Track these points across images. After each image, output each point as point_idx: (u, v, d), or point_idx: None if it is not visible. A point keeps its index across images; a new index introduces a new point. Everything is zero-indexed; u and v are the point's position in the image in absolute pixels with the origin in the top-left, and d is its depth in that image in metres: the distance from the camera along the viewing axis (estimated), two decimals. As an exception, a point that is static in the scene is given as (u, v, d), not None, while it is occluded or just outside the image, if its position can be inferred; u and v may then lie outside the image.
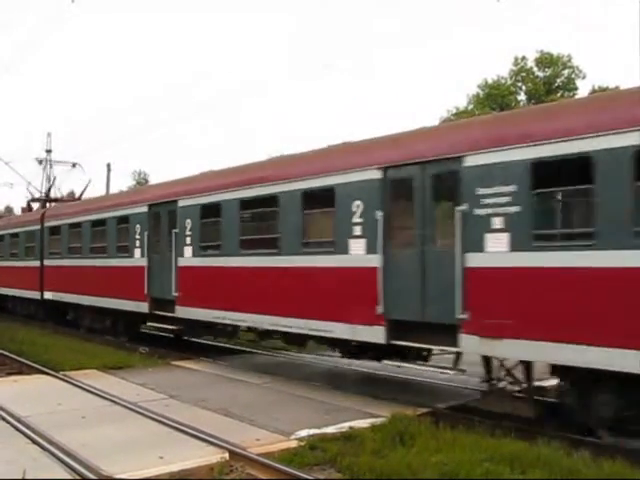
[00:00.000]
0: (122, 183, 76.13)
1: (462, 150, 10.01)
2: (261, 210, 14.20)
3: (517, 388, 10.09)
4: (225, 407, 10.92)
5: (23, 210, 38.52)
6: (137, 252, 18.40)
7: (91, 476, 7.36)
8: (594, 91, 41.98)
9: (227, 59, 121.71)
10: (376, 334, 11.03)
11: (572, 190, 9.25)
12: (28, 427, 9.46)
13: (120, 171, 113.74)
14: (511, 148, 9.36)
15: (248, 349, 18.60)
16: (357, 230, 11.52)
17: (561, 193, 9.55)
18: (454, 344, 9.95)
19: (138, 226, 18.39)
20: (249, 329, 15.63)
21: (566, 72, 48.76)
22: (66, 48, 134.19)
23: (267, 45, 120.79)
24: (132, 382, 13.45)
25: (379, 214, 11.04)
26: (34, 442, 8.77)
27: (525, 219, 9.09)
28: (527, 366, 9.89)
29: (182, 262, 16.34)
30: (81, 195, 33.79)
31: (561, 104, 9.85)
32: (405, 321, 10.75)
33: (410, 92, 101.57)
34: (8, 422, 9.94)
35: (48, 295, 24.55)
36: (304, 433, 9.16)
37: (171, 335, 18.84)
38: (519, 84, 49.79)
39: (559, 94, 46.94)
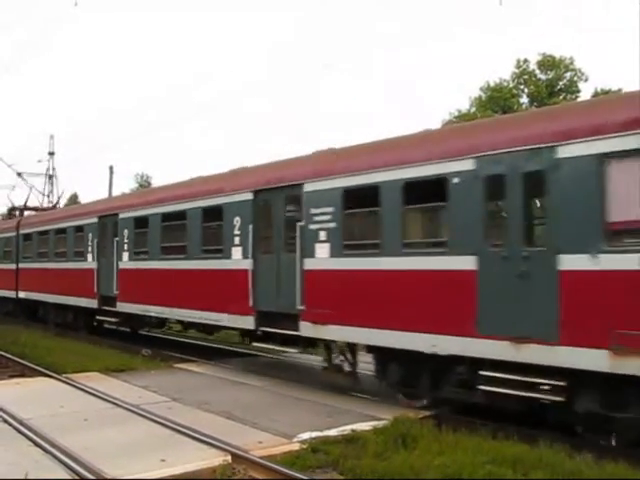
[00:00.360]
0: (125, 185, 76.13)
1: (302, 179, 12.99)
2: (175, 223, 17.22)
3: (347, 366, 13.10)
4: (227, 410, 10.92)
5: (3, 217, 40.68)
6: (89, 256, 21.82)
7: (93, 478, 7.36)
8: (596, 94, 41.94)
9: (228, 60, 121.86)
10: (248, 322, 14.20)
11: (367, 211, 11.97)
12: (30, 429, 9.47)
13: (123, 173, 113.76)
14: (331, 179, 12.39)
15: (251, 352, 18.58)
16: (237, 240, 14.62)
17: (361, 213, 12.26)
18: (297, 329, 12.78)
19: (90, 234, 21.85)
20: (177, 321, 18.81)
21: (568, 75, 48.75)
22: (68, 49, 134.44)
23: (267, 46, 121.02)
24: (134, 385, 13.46)
25: (250, 227, 14.16)
26: (36, 444, 8.77)
27: (339, 233, 12.12)
28: (352, 347, 12.86)
29: (121, 265, 19.78)
30: (55, 205, 36.95)
31: (366, 147, 12.58)
32: (268, 312, 13.77)
33: (412, 95, 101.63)
34: (10, 424, 9.94)
35: (22, 294, 27.76)
36: (306, 436, 9.16)
37: (128, 330, 22.47)
38: (521, 87, 49.76)
39: (561, 97, 46.92)
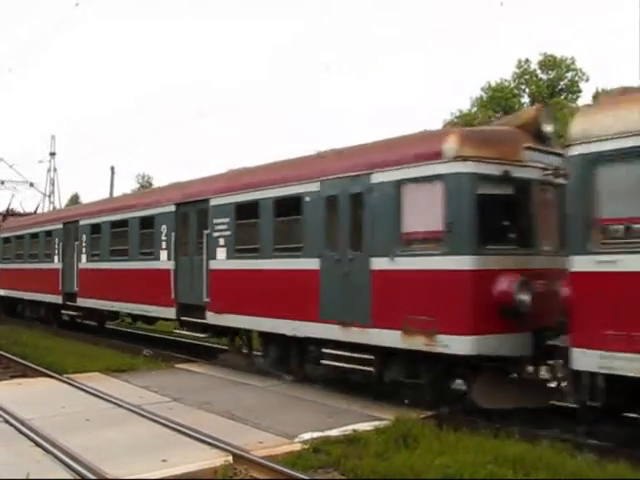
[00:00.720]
0: (126, 185, 76.23)
1: (209, 195, 16.05)
2: (121, 229, 20.41)
3: (245, 348, 15.93)
4: (229, 410, 10.93)
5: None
6: (56, 258, 24.91)
7: (94, 479, 7.36)
8: (597, 94, 41.90)
9: (229, 62, 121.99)
10: (171, 313, 17.29)
11: (251, 222, 14.48)
12: (32, 430, 9.47)
13: (124, 174, 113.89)
14: (227, 196, 15.43)
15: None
16: (164, 244, 17.73)
17: (247, 224, 14.75)
18: (204, 318, 15.73)
19: (57, 238, 25.01)
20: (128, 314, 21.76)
21: (570, 75, 48.75)
22: (69, 50, 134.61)
23: (269, 48, 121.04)
24: (135, 385, 13.46)
25: (173, 234, 17.29)
26: (38, 445, 8.78)
27: (232, 239, 15.04)
28: (248, 332, 15.58)
29: (80, 265, 22.95)
30: (35, 211, 38.91)
31: (251, 170, 15.97)
32: (186, 304, 16.75)
33: (414, 95, 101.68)
34: (12, 425, 9.95)
35: (2, 292, 30.84)
36: (307, 436, 9.16)
37: (93, 323, 25.15)
38: (522, 87, 49.77)
39: (563, 96, 46.92)
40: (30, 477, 7.09)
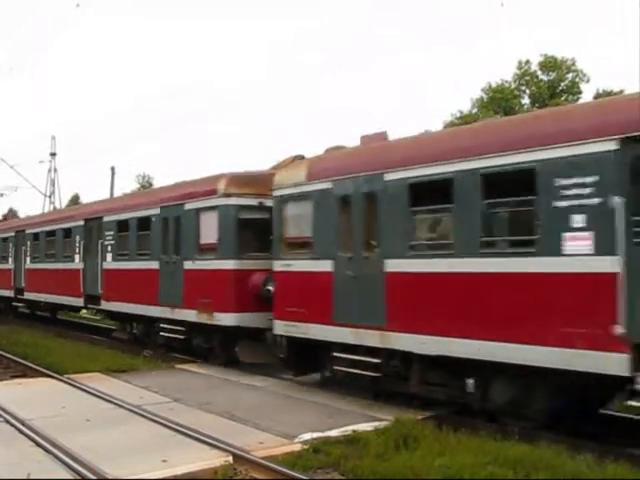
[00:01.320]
0: (126, 186, 76.20)
1: (102, 213, 21.73)
2: (52, 238, 25.86)
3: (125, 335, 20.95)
4: (229, 410, 10.94)
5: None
6: (10, 260, 30.47)
7: (95, 479, 7.37)
8: (598, 95, 41.91)
9: (229, 61, 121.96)
10: (81, 302, 23.17)
11: (122, 235, 19.97)
12: (32, 430, 9.47)
13: (124, 174, 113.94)
14: (112, 214, 20.92)
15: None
16: (77, 250, 23.41)
17: (122, 236, 20.10)
18: (100, 305, 21.22)
19: (10, 244, 30.60)
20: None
21: (570, 76, 48.72)
22: (69, 51, 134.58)
23: (267, 47, 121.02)
24: (136, 385, 13.47)
25: (82, 242, 23.03)
26: (38, 445, 8.79)
27: (115, 246, 20.36)
28: (131, 317, 19.97)
29: (26, 266, 28.47)
30: (5, 217, 42.45)
31: (125, 196, 23.74)
32: (91, 295, 21.98)
33: (414, 96, 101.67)
34: (12, 425, 9.96)
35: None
36: (307, 436, 9.17)
37: (47, 314, 29.63)
38: (523, 88, 49.75)
39: (563, 98, 46.89)
40: (31, 477, 7.08)
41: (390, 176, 11.18)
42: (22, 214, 61.85)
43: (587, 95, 46.24)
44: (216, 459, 8.12)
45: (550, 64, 48.56)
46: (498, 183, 9.48)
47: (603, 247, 8.30)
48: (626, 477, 7.30)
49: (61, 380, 13.89)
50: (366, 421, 10.07)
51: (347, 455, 8.23)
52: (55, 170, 50.57)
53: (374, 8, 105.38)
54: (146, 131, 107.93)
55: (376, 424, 9.75)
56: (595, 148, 8.46)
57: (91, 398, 12.11)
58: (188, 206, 16.66)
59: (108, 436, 9.30)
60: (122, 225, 20.08)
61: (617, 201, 8.14)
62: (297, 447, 8.73)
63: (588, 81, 48.48)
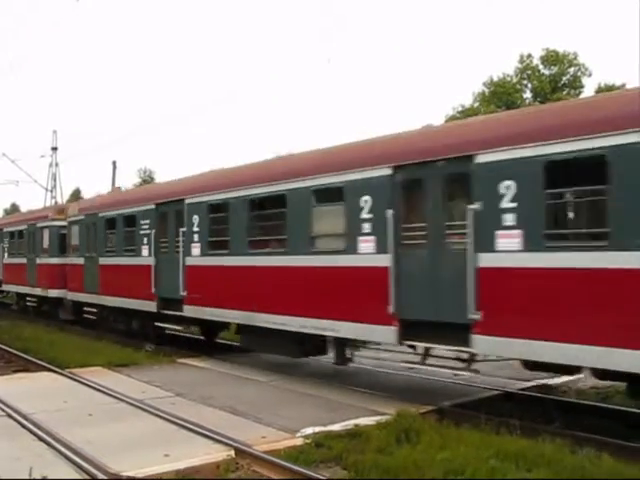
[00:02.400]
0: (128, 180, 76.15)
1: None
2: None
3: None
4: (231, 405, 10.95)
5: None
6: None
7: (97, 473, 7.38)
8: (600, 89, 41.82)
9: (230, 56, 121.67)
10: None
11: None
12: (34, 424, 9.50)
13: (126, 168, 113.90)
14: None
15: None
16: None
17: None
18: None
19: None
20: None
21: (572, 70, 48.58)
22: (72, 45, 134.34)
23: (270, 42, 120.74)
24: (138, 380, 13.49)
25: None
26: (40, 439, 8.81)
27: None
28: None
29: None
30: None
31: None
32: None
33: (416, 90, 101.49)
34: (14, 419, 9.99)
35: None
36: (310, 430, 9.18)
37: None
38: (525, 82, 49.63)
39: (565, 92, 46.79)
40: (32, 472, 7.09)
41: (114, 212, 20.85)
42: (24, 209, 62.01)
43: (589, 89, 46.19)
44: (218, 453, 8.13)
45: (552, 58, 48.43)
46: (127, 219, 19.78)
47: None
48: (627, 471, 7.30)
49: (63, 374, 13.92)
50: (368, 415, 10.08)
51: (349, 449, 8.24)
52: (56, 164, 50.51)
53: (376, 1, 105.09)
54: (147, 125, 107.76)
55: (378, 418, 9.76)
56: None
57: (93, 392, 12.13)
58: (39, 224, 26.66)
59: (110, 430, 9.32)
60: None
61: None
62: (299, 441, 8.74)
63: (590, 75, 48.40)
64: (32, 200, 59.80)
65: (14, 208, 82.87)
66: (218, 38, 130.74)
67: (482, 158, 9.78)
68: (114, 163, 47.14)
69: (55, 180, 50.27)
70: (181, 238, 16.53)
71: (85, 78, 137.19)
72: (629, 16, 73.92)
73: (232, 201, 14.86)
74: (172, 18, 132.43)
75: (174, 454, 8.06)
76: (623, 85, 37.33)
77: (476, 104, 49.33)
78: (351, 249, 11.68)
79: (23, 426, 9.56)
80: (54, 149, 50.37)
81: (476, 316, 9.64)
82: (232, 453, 8.13)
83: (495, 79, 49.73)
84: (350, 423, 9.55)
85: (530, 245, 9.08)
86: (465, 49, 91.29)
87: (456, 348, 10.31)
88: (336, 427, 9.38)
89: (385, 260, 10.99)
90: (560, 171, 8.86)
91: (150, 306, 17.96)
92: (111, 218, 20.54)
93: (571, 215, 9.47)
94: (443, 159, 10.41)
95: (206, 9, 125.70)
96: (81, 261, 22.59)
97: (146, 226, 18.42)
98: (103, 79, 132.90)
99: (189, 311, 16.39)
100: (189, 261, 16.32)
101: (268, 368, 14.70)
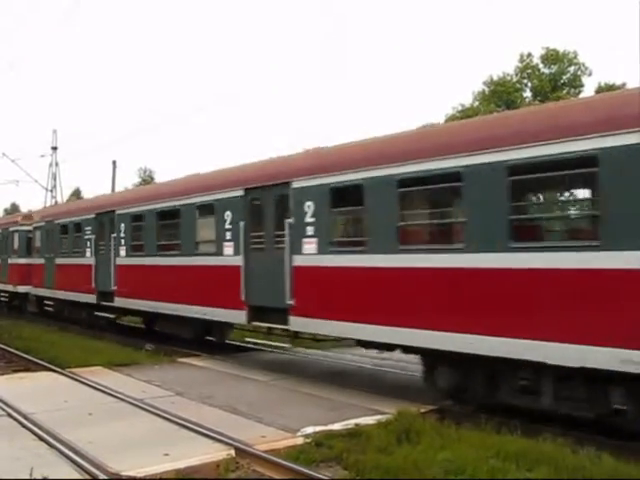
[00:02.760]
0: (128, 180, 76.21)
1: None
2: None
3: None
4: (231, 404, 10.94)
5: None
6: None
7: (98, 473, 7.37)
8: (600, 89, 41.76)
9: (232, 56, 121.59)
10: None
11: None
12: (34, 424, 9.50)
13: (126, 168, 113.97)
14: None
15: (255, 346, 18.60)
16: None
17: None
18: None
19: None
20: None
21: (572, 69, 48.52)
22: (72, 45, 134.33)
23: (271, 42, 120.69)
24: (138, 379, 13.49)
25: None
26: (41, 439, 8.80)
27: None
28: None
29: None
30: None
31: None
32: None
33: (417, 89, 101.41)
34: (14, 419, 9.99)
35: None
36: (310, 430, 9.17)
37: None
38: (525, 81, 49.58)
39: (565, 91, 46.74)
40: (33, 472, 7.08)
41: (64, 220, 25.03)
42: (24, 209, 61.99)
43: (589, 88, 46.13)
44: (218, 453, 8.12)
45: (552, 57, 48.35)
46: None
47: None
48: (628, 471, 7.30)
49: (63, 374, 13.92)
50: (368, 414, 10.08)
51: (350, 449, 8.22)
52: (56, 164, 50.51)
53: (376, 0, 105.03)
54: (148, 125, 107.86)
55: (378, 417, 9.75)
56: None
57: (93, 392, 12.13)
58: (10, 229, 30.03)
59: (110, 430, 9.31)
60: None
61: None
62: (299, 441, 8.73)
63: (590, 74, 48.29)
64: (32, 200, 59.77)
65: (14, 208, 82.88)
66: (219, 37, 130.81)
67: (295, 184, 12.99)
68: (114, 163, 47.22)
69: (55, 180, 50.29)
70: (112, 242, 20.53)
71: (85, 77, 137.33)
72: (629, 15, 73.89)
73: (146, 213, 18.70)
74: (172, 17, 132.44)
75: (174, 453, 8.06)
76: (624, 85, 37.28)
77: (476, 103, 49.30)
78: (219, 252, 15.09)
79: (23, 426, 9.55)
80: (54, 149, 50.37)
81: (291, 302, 12.76)
82: (232, 452, 8.12)
83: (495, 78, 49.68)
84: (350, 422, 9.54)
85: (322, 249, 12.27)
86: (465, 48, 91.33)
87: (282, 326, 13.55)
88: (336, 426, 9.37)
89: (239, 260, 14.32)
90: (340, 195, 12.00)
91: (92, 298, 21.83)
92: (64, 225, 24.69)
93: (345, 228, 13.30)
94: (274, 184, 13.64)
95: (206, 8, 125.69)
96: (42, 261, 26.54)
97: (89, 232, 22.29)
98: (103, 78, 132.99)
99: (118, 302, 20.15)
100: (118, 261, 20.24)
101: (268, 367, 14.70)
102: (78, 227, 23.28)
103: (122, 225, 20.03)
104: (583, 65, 48.44)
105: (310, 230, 12.51)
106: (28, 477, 7.00)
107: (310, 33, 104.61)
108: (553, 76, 48.46)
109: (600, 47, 68.11)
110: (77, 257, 23.10)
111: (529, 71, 49.19)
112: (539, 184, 10.50)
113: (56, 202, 47.75)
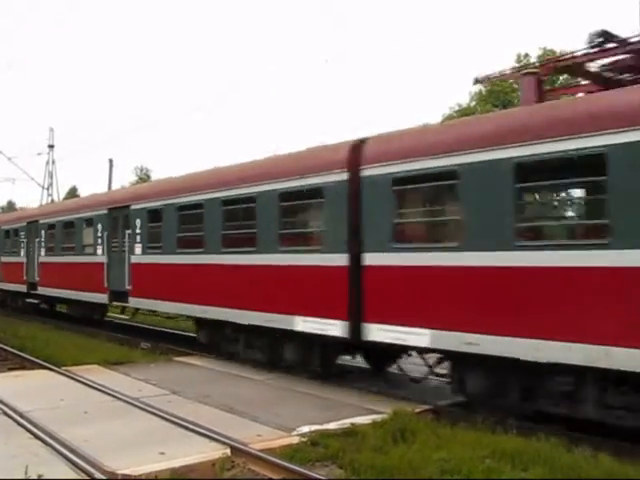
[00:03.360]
0: (125, 178, 76.10)
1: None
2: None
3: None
4: (227, 403, 10.94)
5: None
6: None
7: (93, 471, 7.36)
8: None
9: (229, 55, 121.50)
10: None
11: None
12: (30, 422, 9.48)
13: (123, 166, 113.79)
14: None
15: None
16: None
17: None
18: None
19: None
20: None
21: (569, 69, 48.56)
22: (69, 43, 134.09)
23: (268, 41, 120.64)
24: (134, 378, 13.48)
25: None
26: (36, 437, 8.79)
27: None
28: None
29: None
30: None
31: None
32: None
33: (414, 89, 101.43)
34: (10, 417, 9.96)
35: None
36: (306, 429, 9.18)
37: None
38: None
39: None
40: (28, 470, 7.08)
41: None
42: (20, 206, 61.87)
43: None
44: (214, 452, 8.13)
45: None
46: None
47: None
48: (623, 470, 7.32)
49: (59, 372, 13.89)
50: (364, 414, 10.08)
51: (345, 448, 8.24)
52: (53, 162, 50.46)
53: (373, 0, 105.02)
54: (145, 123, 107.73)
55: (374, 417, 9.76)
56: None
57: (89, 390, 12.11)
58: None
59: (106, 428, 9.30)
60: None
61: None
62: (295, 440, 8.74)
63: (587, 74, 48.36)
64: (29, 198, 59.74)
65: (10, 206, 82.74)
66: (216, 36, 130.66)
67: (133, 206, 18.95)
68: (111, 161, 47.14)
69: (52, 178, 50.23)
70: (36, 245, 26.62)
71: (82, 75, 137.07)
72: (627, 15, 73.85)
73: (74, 221, 23.60)
74: (170, 16, 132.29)
75: (170, 452, 8.06)
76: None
77: (473, 103, 49.34)
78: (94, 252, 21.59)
79: (19, 424, 9.54)
80: (51, 147, 50.33)
81: (129, 287, 18.73)
82: (228, 451, 8.12)
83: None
84: (346, 422, 9.55)
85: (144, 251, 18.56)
86: (462, 48, 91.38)
87: (124, 304, 20.18)
88: (332, 426, 9.38)
89: (104, 258, 20.51)
90: (152, 214, 18.15)
91: (23, 288, 27.89)
92: (7, 230, 30.74)
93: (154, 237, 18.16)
94: (121, 206, 19.76)
95: (204, 6, 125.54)
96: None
97: (22, 235, 28.31)
98: (100, 76, 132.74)
99: (43, 291, 26.11)
100: (40, 259, 26.29)
101: (264, 367, 14.67)
102: (15, 232, 29.32)
103: (42, 232, 26.15)
104: (580, 65, 48.53)
105: (138, 238, 18.64)
106: (23, 475, 6.99)
107: (309, 32, 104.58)
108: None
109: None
110: (12, 256, 29.28)
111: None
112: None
113: (52, 200, 47.69)
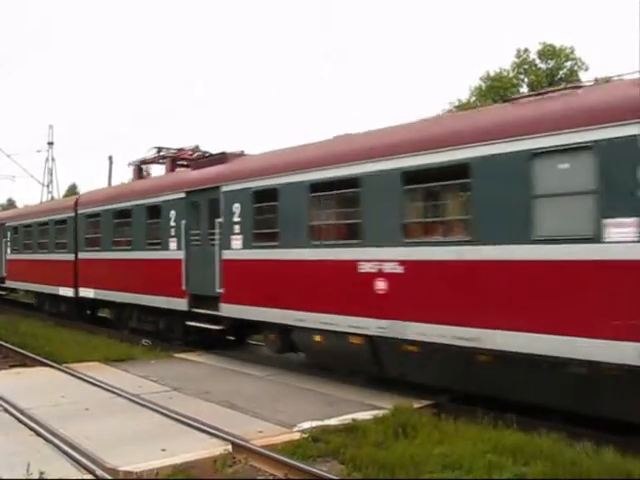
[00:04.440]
0: (125, 175, 75.94)
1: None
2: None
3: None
4: (228, 399, 10.95)
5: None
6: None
7: (95, 468, 7.38)
8: (597, 83, 41.71)
9: (228, 50, 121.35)
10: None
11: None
12: (32, 419, 9.50)
13: (123, 163, 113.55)
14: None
15: (252, 342, 18.57)
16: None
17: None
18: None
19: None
20: None
21: (569, 64, 48.48)
22: (69, 40, 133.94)
23: (269, 37, 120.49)
24: (135, 374, 13.49)
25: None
26: (38, 434, 8.81)
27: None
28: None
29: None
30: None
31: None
32: None
33: (413, 84, 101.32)
34: (12, 414, 9.98)
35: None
36: (307, 425, 9.18)
37: None
38: (521, 76, 49.51)
39: (562, 86, 46.66)
40: (30, 467, 7.08)
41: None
42: (20, 204, 61.85)
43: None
44: (215, 448, 8.13)
45: (549, 52, 48.29)
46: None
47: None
48: (624, 465, 7.31)
49: (60, 369, 13.90)
50: (365, 410, 10.09)
51: (346, 444, 8.24)
52: (53, 159, 50.51)
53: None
54: (144, 120, 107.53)
55: (375, 412, 9.76)
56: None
57: (90, 387, 12.13)
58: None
59: (107, 425, 9.32)
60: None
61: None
62: (296, 436, 8.74)
63: (587, 69, 48.28)
64: (29, 195, 59.77)
65: (10, 203, 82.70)
66: (217, 32, 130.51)
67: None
68: (110, 158, 47.01)
69: (51, 175, 50.24)
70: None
71: (82, 73, 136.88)
72: (626, 10, 73.79)
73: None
74: (170, 13, 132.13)
75: (171, 449, 8.07)
76: (620, 79, 37.20)
77: (473, 98, 49.25)
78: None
79: (20, 421, 9.56)
80: (50, 144, 50.34)
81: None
82: (229, 448, 8.13)
83: (492, 73, 49.54)
84: (347, 418, 9.54)
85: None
86: (462, 43, 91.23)
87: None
88: (333, 422, 9.38)
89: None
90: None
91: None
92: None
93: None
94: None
95: (204, 6, 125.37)
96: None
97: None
98: (100, 74, 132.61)
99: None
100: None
101: (265, 363, 14.70)
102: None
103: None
104: (580, 60, 48.44)
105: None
106: (25, 472, 7.00)
107: (308, 28, 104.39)
108: (550, 71, 48.41)
109: (597, 42, 68.08)
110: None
111: (526, 66, 49.10)
112: None
113: (52, 197, 47.66)
